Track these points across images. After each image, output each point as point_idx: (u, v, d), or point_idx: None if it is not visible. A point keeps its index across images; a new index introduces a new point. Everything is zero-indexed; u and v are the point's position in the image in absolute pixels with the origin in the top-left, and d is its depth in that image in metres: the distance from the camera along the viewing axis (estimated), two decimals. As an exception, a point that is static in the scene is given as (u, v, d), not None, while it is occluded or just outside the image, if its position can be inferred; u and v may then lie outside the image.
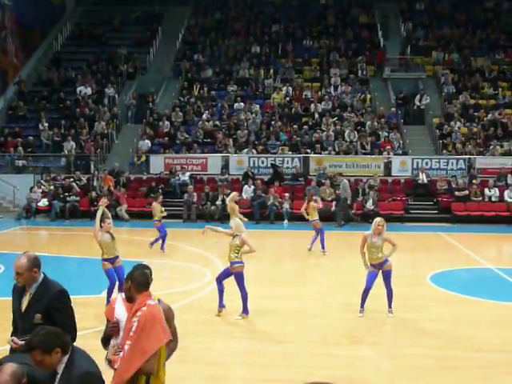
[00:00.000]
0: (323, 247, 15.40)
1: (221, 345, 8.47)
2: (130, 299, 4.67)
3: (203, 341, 8.46)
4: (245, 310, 9.65)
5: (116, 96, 28.64)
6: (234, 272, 9.65)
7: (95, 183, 23.40)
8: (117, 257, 9.95)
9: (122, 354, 4.44)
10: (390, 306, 9.75)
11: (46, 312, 4.68)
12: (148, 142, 25.10)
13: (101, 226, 9.81)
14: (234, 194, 15.38)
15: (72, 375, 3.82)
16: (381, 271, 9.62)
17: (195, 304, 10.47)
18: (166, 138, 25.68)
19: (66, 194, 22.64)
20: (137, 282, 4.55)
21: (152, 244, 15.76)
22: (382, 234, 9.52)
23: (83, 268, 14.33)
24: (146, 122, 26.62)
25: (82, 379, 3.82)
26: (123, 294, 4.81)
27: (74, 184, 23.18)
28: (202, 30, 32.52)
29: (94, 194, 22.41)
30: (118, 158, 24.90)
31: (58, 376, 3.87)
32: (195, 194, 22.14)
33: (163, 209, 16.01)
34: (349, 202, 21.23)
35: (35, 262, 4.81)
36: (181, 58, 30.88)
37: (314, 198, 16.34)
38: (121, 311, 4.73)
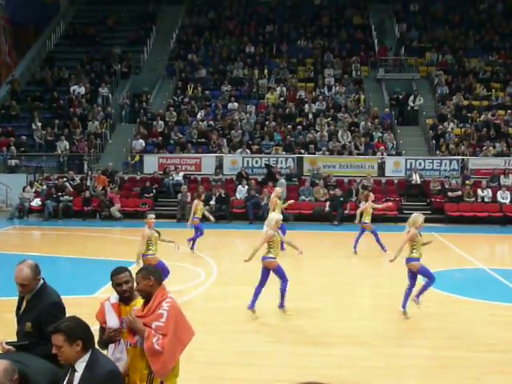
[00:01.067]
0: (383, 248, 15.24)
1: (215, 345, 8.46)
2: (127, 300, 4.68)
3: (197, 341, 8.41)
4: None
5: (110, 95, 28.58)
6: (270, 268, 9.75)
7: (88, 183, 23.35)
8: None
9: (156, 345, 4.38)
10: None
11: (36, 322, 4.61)
12: (142, 142, 25.06)
13: None
14: (278, 189, 15.88)
15: (96, 374, 3.73)
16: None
17: (188, 304, 10.45)
18: (160, 138, 25.64)
19: (59, 193, 22.58)
20: (158, 275, 4.67)
21: (191, 242, 15.77)
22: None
23: (76, 268, 14.30)
24: (140, 121, 26.58)
25: (108, 378, 3.75)
26: (112, 300, 4.78)
27: (67, 184, 23.12)
28: (196, 30, 32.50)
29: (87, 193, 22.37)
30: (111, 158, 24.84)
31: (78, 375, 3.77)
32: (189, 194, 22.10)
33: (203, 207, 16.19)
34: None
35: (38, 270, 4.75)
36: (175, 57, 30.85)
37: (371, 197, 16.09)
38: (112, 319, 4.68)
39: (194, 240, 15.70)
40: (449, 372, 7.58)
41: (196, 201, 16.02)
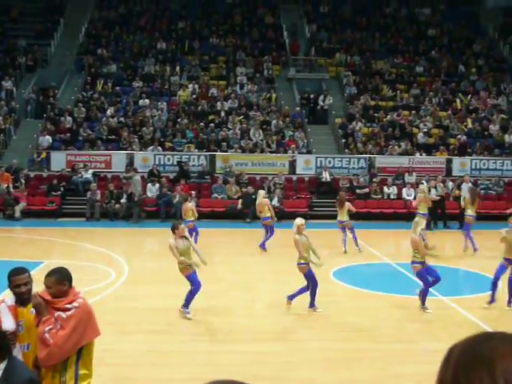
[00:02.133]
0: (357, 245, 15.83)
1: (125, 346, 8.29)
2: (25, 302, 4.50)
3: (106, 342, 8.24)
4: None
5: (14, 89, 27.39)
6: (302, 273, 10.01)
7: (-9, 180, 22.28)
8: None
9: (46, 334, 4.25)
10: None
11: None
12: (49, 138, 24.20)
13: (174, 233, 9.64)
14: (262, 191, 16.52)
15: (13, 383, 3.56)
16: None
17: (99, 304, 10.18)
18: (68, 134, 24.84)
19: (-41, 191, 21.41)
20: (70, 278, 4.55)
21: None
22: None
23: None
24: (47, 117, 25.65)
25: None
26: (8, 302, 4.59)
27: (-33, 181, 21.96)
28: (106, 24, 31.72)
29: (-11, 191, 21.36)
30: (16, 155, 23.81)
31: None
32: (99, 191, 21.57)
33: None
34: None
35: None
36: (84, 51, 29.97)
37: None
38: (8, 321, 4.50)
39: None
40: (359, 363, 7.82)
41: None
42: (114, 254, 14.97)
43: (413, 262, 10.13)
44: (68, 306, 4.39)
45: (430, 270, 10.16)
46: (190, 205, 16.16)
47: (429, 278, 10.07)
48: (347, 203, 16.14)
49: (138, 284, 11.87)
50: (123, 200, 21.36)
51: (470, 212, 16.08)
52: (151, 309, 10.01)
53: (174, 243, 9.57)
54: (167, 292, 11.06)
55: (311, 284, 9.90)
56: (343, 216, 15.97)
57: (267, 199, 16.91)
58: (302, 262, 9.94)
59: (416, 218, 11.61)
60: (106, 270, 13.04)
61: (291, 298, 9.94)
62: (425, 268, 10.08)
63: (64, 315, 4.35)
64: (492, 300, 10.25)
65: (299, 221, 10.23)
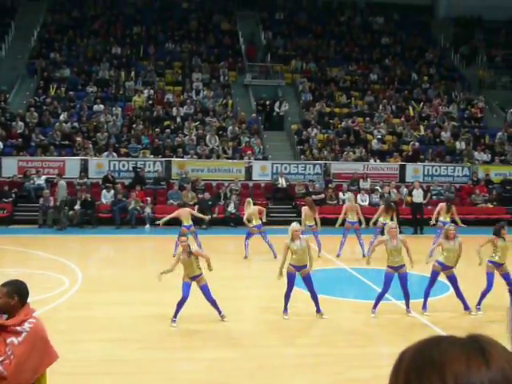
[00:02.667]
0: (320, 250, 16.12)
1: (79, 355, 8.14)
2: None
3: (60, 351, 8.06)
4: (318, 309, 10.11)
5: (-38, 93, 26.70)
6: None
7: None
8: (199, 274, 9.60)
9: (1, 368, 4.00)
10: (407, 306, 10.35)
11: None
12: (-1, 144, 23.65)
13: None
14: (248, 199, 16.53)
15: None
16: (397, 273, 10.14)
17: (52, 313, 9.99)
18: (20, 140, 24.31)
19: None
20: (23, 293, 4.27)
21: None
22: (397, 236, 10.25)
23: None
24: (-2, 121, 25.05)
25: None
26: None
27: None
28: (58, 28, 31.19)
29: None
30: (-36, 160, 23.18)
31: None
32: (52, 198, 21.16)
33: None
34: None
35: None
36: (36, 55, 29.40)
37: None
38: None
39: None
40: (314, 369, 7.86)
41: (180, 210, 16.02)
42: (67, 261, 14.69)
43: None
44: (18, 328, 4.13)
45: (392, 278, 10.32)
46: (188, 210, 16.10)
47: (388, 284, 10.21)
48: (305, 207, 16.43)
49: (93, 292, 11.68)
50: (77, 206, 21.01)
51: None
52: (106, 317, 9.86)
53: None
54: (122, 300, 10.92)
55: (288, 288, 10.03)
56: (311, 220, 16.18)
57: (257, 207, 16.91)
58: (291, 263, 10.02)
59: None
60: (59, 277, 12.79)
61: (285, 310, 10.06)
62: (390, 274, 10.21)
63: (16, 341, 4.10)
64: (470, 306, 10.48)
65: (292, 226, 10.19)
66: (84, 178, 22.86)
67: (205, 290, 9.54)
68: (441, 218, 16.23)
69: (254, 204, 17.32)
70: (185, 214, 15.68)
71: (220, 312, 9.71)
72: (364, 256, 14.88)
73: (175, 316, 9.44)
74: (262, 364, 7.90)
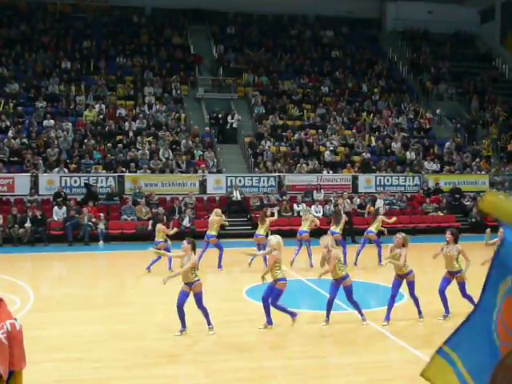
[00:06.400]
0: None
1: (31, 376, 7.91)
2: None
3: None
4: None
5: None
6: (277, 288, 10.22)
7: None
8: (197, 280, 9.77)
9: None
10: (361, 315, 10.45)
11: None
12: None
13: None
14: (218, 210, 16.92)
15: None
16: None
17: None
18: (-33, 157, 23.70)
19: None
20: None
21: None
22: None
23: None
24: None
25: None
26: None
27: None
28: (6, 42, 30.58)
29: None
30: None
31: None
32: (1, 216, 20.66)
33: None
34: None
35: None
36: (-17, 70, 28.75)
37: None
38: None
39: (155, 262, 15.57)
40: (272, 382, 7.86)
41: (158, 225, 16.05)
42: (18, 280, 14.33)
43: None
44: None
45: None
46: (163, 227, 16.08)
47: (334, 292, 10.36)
48: (268, 219, 16.50)
49: (46, 311, 11.43)
50: (27, 224, 20.56)
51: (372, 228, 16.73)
52: (60, 336, 9.65)
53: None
54: (76, 318, 10.72)
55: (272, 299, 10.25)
56: (261, 230, 16.30)
57: (219, 217, 16.88)
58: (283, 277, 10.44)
59: None
60: (9, 297, 12.45)
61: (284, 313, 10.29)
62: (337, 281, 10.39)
63: None
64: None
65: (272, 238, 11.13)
66: (34, 194, 22.41)
67: (197, 298, 9.63)
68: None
69: (209, 217, 17.47)
70: (161, 229, 15.98)
71: (209, 323, 9.77)
72: (312, 266, 16.12)
73: (183, 326, 9.67)
74: (220, 379, 7.85)
